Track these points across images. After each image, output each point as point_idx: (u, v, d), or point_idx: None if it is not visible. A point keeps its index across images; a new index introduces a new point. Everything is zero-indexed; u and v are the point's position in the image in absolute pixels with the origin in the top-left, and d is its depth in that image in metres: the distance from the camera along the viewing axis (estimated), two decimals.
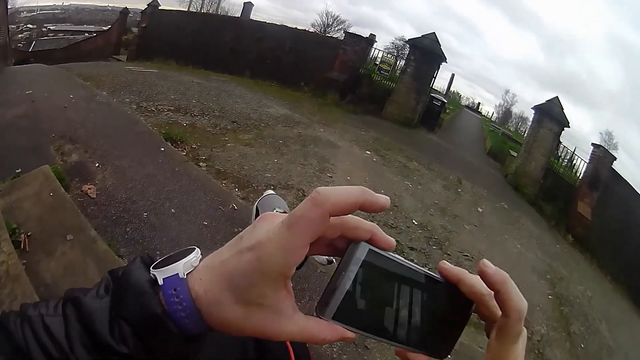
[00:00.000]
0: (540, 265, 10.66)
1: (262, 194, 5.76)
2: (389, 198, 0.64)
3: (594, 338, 8.72)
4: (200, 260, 0.65)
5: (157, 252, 5.40)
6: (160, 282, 0.63)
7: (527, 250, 11.25)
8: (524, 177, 19.47)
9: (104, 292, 0.66)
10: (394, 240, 0.69)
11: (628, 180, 20.39)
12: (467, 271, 0.70)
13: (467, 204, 12.44)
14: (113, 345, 0.61)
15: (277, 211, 4.21)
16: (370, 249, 0.66)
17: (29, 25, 67.68)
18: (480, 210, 12.38)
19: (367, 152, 13.19)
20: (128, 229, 5.79)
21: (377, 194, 0.63)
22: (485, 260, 0.67)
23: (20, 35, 59.41)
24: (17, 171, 6.22)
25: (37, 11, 77.29)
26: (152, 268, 0.65)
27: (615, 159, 19.92)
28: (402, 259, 0.69)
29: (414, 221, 9.23)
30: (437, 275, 0.71)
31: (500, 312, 0.66)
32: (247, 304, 0.60)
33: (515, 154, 23.57)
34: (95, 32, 47.66)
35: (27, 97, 10.13)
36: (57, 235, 4.92)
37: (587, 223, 17.58)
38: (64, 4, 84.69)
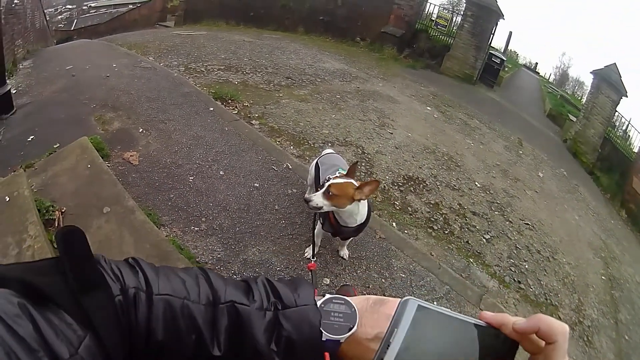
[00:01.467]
0: (596, 241, 10.25)
1: (321, 152, 5.37)
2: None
3: (639, 330, 8.16)
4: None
5: (203, 219, 5.41)
6: (324, 338, 0.85)
7: (585, 223, 10.87)
8: (583, 144, 18.99)
9: (270, 306, 0.88)
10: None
11: None
12: (507, 314, 0.78)
13: (528, 167, 12.06)
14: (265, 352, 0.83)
15: (339, 172, 3.84)
16: (419, 305, 0.76)
17: (67, 6, 68.86)
18: (540, 175, 11.97)
19: (428, 107, 12.83)
20: (172, 195, 5.69)
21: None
22: (515, 320, 0.76)
23: (59, 17, 60.47)
24: (55, 146, 6.24)
25: None
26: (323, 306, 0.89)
27: None
28: (450, 311, 0.78)
29: (476, 183, 8.95)
30: (480, 322, 0.78)
31: (543, 342, 0.74)
32: None
33: (574, 119, 23.06)
34: (138, 2, 48.16)
35: (67, 72, 10.03)
36: (94, 208, 4.90)
37: None
38: None
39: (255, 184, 6.18)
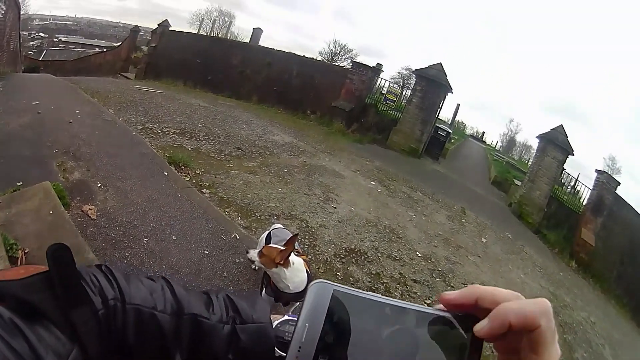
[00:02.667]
0: (544, 294, 10.49)
1: (271, 226, 5.76)
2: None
3: None
4: None
5: None
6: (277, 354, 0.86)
7: (531, 279, 11.28)
8: (528, 206, 19.66)
9: (227, 318, 0.90)
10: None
11: (632, 204, 20.83)
12: (478, 285, 0.65)
13: (471, 234, 12.43)
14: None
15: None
16: (335, 290, 0.61)
17: (40, 34, 68.82)
18: (484, 240, 12.36)
19: (372, 182, 13.22)
20: (127, 254, 5.69)
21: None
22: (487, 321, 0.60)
23: (31, 43, 60.48)
24: (18, 184, 6.29)
25: (49, 20, 78.70)
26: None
27: (619, 184, 20.38)
28: (378, 296, 0.62)
29: (417, 253, 9.18)
30: (424, 308, 0.63)
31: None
32: None
33: (519, 183, 23.82)
34: (105, 47, 48.36)
35: (33, 108, 10.21)
36: None
37: (590, 249, 17.79)
38: (76, 16, 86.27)
39: (206, 251, 6.28)
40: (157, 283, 0.95)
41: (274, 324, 0.97)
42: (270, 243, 4.55)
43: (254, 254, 4.31)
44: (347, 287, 0.61)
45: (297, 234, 4.74)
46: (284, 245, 4.25)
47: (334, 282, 0.61)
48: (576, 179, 23.26)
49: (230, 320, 0.93)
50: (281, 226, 5.64)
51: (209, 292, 1.01)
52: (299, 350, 0.57)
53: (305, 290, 3.81)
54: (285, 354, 0.69)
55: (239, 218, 7.80)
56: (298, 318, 0.59)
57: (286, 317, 1.01)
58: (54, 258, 0.74)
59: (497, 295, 0.62)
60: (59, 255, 0.75)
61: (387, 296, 0.62)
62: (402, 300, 0.62)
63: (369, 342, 0.59)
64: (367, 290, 0.61)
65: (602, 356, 9.25)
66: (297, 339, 0.58)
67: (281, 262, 4.08)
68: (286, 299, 4.48)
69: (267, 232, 5.21)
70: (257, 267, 4.89)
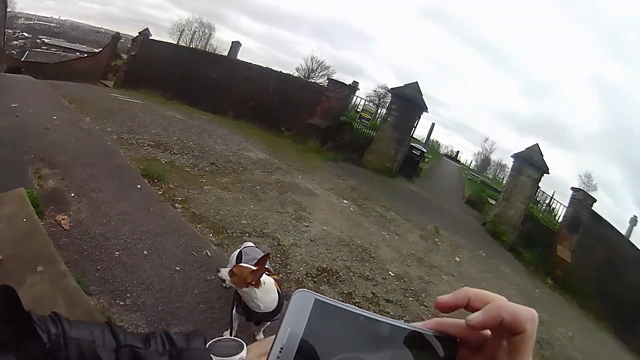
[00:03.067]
0: None
1: (242, 244, 5.81)
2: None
3: None
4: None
5: (127, 295, 5.44)
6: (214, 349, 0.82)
7: (507, 298, 11.13)
8: (502, 225, 19.66)
9: (162, 348, 0.87)
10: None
11: (608, 219, 20.93)
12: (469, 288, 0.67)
13: (445, 253, 12.48)
14: None
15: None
16: (316, 299, 0.62)
17: (24, 34, 68.23)
18: (457, 259, 12.44)
19: (345, 201, 13.25)
20: (99, 267, 5.71)
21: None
22: (471, 316, 0.63)
23: (15, 42, 59.91)
24: None
25: (34, 20, 78.08)
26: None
27: (595, 200, 20.45)
28: (358, 309, 0.64)
29: (390, 272, 9.22)
30: (400, 324, 0.64)
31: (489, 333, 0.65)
32: None
33: (493, 202, 24.02)
34: (86, 52, 48.09)
35: (12, 110, 10.24)
36: (28, 264, 4.88)
37: (567, 266, 17.89)
38: (60, 18, 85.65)
39: (177, 267, 6.30)
40: (98, 325, 0.96)
41: (207, 344, 0.97)
42: (241, 262, 4.63)
43: (224, 272, 4.34)
44: (328, 297, 0.63)
45: (269, 254, 4.86)
46: (255, 264, 4.29)
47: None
48: (551, 197, 23.61)
49: (167, 352, 0.93)
50: (252, 245, 5.66)
51: (149, 333, 1.01)
52: (280, 351, 0.58)
53: (276, 310, 3.88)
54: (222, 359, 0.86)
55: (211, 235, 7.83)
56: (280, 323, 0.60)
57: (220, 338, 1.00)
58: (4, 298, 0.79)
59: (488, 295, 0.66)
60: (9, 296, 0.80)
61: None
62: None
63: (344, 353, 0.60)
64: None
65: None
66: (279, 341, 0.59)
67: (252, 282, 4.12)
68: (257, 319, 4.55)
69: (238, 251, 5.26)
70: (228, 286, 4.93)
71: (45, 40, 68.86)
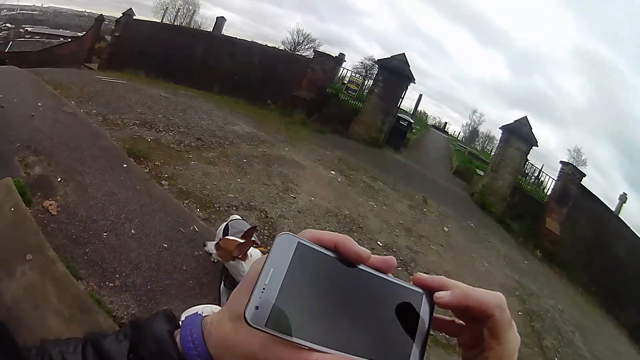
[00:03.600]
0: (509, 282, 10.84)
1: (228, 217, 5.87)
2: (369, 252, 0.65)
3: (568, 350, 8.99)
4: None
5: (117, 276, 5.47)
6: (182, 318, 0.77)
7: (495, 268, 11.45)
8: (491, 196, 19.81)
9: (122, 337, 0.78)
10: (367, 250, 0.66)
11: (597, 195, 21.04)
12: (446, 277, 0.70)
13: (433, 223, 12.58)
14: None
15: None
16: (299, 242, 0.63)
17: (7, 25, 67.41)
18: (446, 229, 12.54)
19: (332, 172, 13.30)
20: (87, 250, 5.71)
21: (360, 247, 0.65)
22: (438, 294, 0.66)
23: None
24: None
25: (17, 10, 77.06)
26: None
27: (584, 175, 20.55)
28: (338, 254, 0.66)
29: (378, 242, 9.33)
30: (384, 275, 0.68)
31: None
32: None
33: (481, 173, 24.14)
34: (70, 37, 47.51)
35: None
36: (17, 254, 4.87)
37: (555, 239, 18.04)
38: (42, 6, 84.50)
39: (165, 245, 6.33)
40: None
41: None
42: (227, 235, 4.66)
43: (211, 246, 4.40)
44: (311, 242, 0.64)
45: (255, 227, 4.86)
46: (242, 237, 4.33)
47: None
48: (540, 170, 23.73)
49: (122, 335, 0.81)
50: (239, 217, 5.75)
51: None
52: (262, 291, 0.59)
53: None
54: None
55: (198, 210, 7.86)
56: (263, 264, 0.61)
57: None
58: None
59: (461, 285, 0.67)
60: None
61: None
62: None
63: (326, 292, 0.62)
64: None
65: (572, 343, 9.47)
66: (262, 281, 0.59)
67: (239, 256, 4.14)
68: None
69: (224, 224, 5.32)
70: (215, 260, 4.97)
71: (29, 29, 68.03)
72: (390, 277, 0.68)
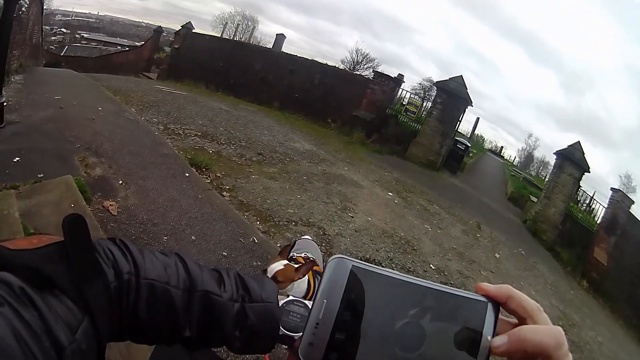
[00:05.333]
0: (554, 312, 10.60)
1: (299, 236, 5.69)
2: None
3: None
4: None
5: None
6: (281, 332, 0.95)
7: (542, 297, 11.16)
8: (543, 223, 19.51)
9: (236, 295, 0.94)
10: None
11: None
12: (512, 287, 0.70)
13: (485, 249, 12.37)
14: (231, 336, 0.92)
15: (306, 255, 4.23)
16: (354, 266, 0.61)
17: (62, 30, 69.33)
18: (497, 256, 12.32)
19: (390, 193, 13.18)
20: None
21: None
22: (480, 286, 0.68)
23: (53, 38, 61.03)
24: (39, 176, 6.36)
25: (72, 16, 79.39)
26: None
27: (633, 202, 20.18)
28: (398, 273, 0.65)
29: (431, 265, 9.16)
30: (447, 289, 0.65)
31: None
32: None
33: (535, 199, 23.81)
34: (127, 46, 48.68)
35: (56, 102, 10.34)
36: None
37: (602, 269, 17.66)
38: (99, 14, 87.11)
39: (224, 253, 6.28)
40: (171, 258, 0.95)
41: (280, 303, 1.00)
42: (292, 249, 4.46)
43: (271, 272, 4.25)
44: (366, 263, 0.62)
45: (289, 245, 4.71)
46: (280, 254, 3.95)
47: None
48: (591, 197, 23.39)
49: (239, 298, 0.95)
50: (309, 238, 5.56)
51: (220, 270, 1.01)
52: (316, 327, 0.58)
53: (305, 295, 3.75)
54: (289, 333, 0.93)
55: (258, 222, 7.80)
56: (316, 294, 0.60)
57: (291, 297, 1.03)
58: (70, 229, 0.75)
59: (524, 301, 0.69)
60: (75, 226, 0.76)
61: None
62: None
63: (384, 321, 0.60)
64: None
65: None
66: (315, 316, 0.59)
67: (300, 277, 3.84)
68: None
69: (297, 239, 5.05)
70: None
71: (85, 35, 69.95)
72: (451, 289, 0.65)
